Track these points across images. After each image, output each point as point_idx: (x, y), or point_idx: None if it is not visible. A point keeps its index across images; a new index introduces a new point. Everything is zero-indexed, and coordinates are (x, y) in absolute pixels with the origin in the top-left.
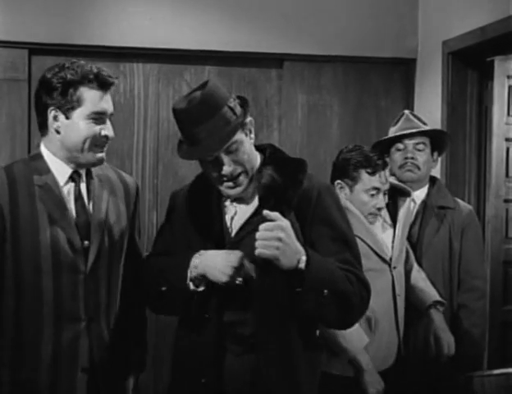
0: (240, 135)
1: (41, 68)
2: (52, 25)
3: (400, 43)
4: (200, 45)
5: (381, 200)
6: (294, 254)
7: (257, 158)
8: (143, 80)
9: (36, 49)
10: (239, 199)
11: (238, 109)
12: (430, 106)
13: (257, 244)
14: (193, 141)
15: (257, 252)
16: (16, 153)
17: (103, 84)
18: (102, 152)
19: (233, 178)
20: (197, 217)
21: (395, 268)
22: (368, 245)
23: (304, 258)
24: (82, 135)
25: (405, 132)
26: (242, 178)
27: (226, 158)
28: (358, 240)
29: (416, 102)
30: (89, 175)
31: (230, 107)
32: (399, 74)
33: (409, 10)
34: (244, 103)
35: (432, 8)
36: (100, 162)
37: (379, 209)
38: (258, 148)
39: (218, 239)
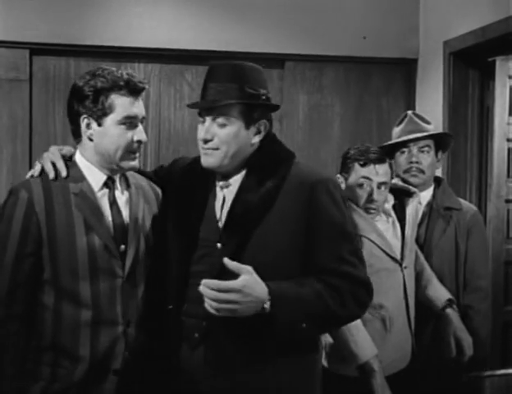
0: (237, 119)
1: (42, 68)
2: (53, 25)
3: (401, 44)
4: (201, 45)
5: (374, 191)
6: (255, 306)
7: (250, 153)
8: None
9: (37, 49)
10: (226, 185)
11: (259, 102)
12: (431, 106)
13: (207, 303)
14: (202, 95)
15: (207, 307)
16: (18, 153)
17: (134, 90)
18: (135, 158)
19: (208, 148)
20: (184, 201)
21: (405, 267)
22: (378, 246)
23: (268, 303)
24: (115, 141)
25: (410, 137)
26: (217, 153)
27: (208, 124)
28: (367, 242)
29: (417, 102)
30: (125, 182)
31: (254, 92)
32: (400, 74)
33: (411, 10)
34: (269, 107)
35: (433, 8)
36: (134, 168)
37: (372, 201)
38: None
39: (193, 228)
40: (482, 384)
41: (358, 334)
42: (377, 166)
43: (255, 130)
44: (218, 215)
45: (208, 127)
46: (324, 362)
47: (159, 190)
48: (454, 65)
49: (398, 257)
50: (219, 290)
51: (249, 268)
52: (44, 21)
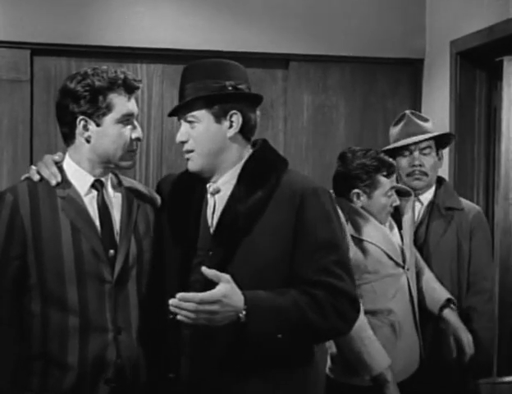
0: (204, 114)
1: (43, 69)
2: (54, 25)
3: (407, 44)
4: (204, 45)
5: (396, 198)
6: (232, 315)
7: (234, 152)
8: (146, 81)
9: (38, 50)
10: (216, 190)
11: (222, 92)
12: (438, 107)
13: (183, 315)
14: (179, 99)
15: (180, 318)
16: (18, 154)
17: (130, 88)
18: (133, 157)
19: (186, 151)
20: (176, 211)
21: (408, 269)
22: (385, 252)
23: (242, 313)
24: (115, 140)
25: (411, 141)
26: (194, 155)
27: (183, 126)
28: (374, 247)
29: (423, 103)
30: (117, 184)
31: (217, 84)
32: (406, 74)
33: (417, 9)
34: (239, 96)
35: (439, 8)
36: (131, 166)
37: (394, 207)
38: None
39: (191, 237)
40: (490, 391)
41: (372, 344)
42: (395, 174)
43: (227, 123)
44: (210, 222)
45: (182, 129)
46: (330, 373)
47: (157, 196)
48: (460, 65)
49: (401, 261)
50: (201, 303)
51: (228, 277)
52: (45, 21)
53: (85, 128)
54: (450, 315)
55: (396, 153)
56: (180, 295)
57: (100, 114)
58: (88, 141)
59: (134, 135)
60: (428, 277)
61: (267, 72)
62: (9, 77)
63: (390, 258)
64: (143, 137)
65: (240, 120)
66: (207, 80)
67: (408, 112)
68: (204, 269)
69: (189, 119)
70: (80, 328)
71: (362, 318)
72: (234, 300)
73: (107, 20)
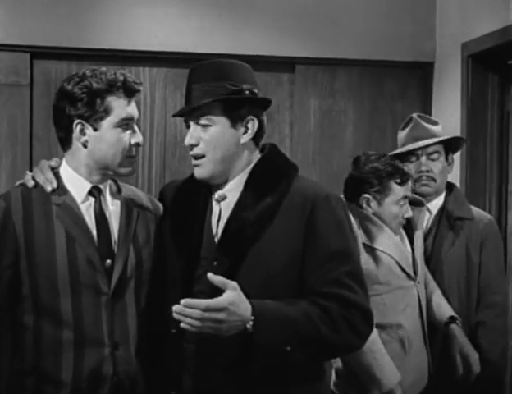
0: (220, 118)
1: (43, 73)
2: (54, 27)
3: (416, 46)
4: (209, 48)
5: (409, 209)
6: (239, 325)
7: (243, 159)
8: (149, 85)
9: (38, 53)
10: (222, 197)
11: (241, 96)
12: (448, 111)
13: (187, 323)
14: (186, 100)
15: (183, 326)
16: (18, 161)
17: (130, 91)
18: (133, 162)
19: (196, 156)
20: (179, 218)
21: (418, 282)
22: (397, 262)
23: (249, 324)
24: (113, 145)
25: (417, 146)
26: (205, 161)
27: (192, 128)
28: (387, 257)
29: (434, 107)
30: (117, 191)
31: (236, 87)
32: (416, 78)
33: (427, 11)
34: (256, 102)
35: (450, 9)
36: (131, 173)
37: (406, 218)
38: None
39: (194, 246)
40: None
41: (383, 358)
42: (410, 182)
43: (243, 129)
44: (214, 230)
45: (192, 132)
46: (334, 388)
47: (159, 204)
48: (472, 68)
49: (412, 273)
50: (206, 310)
51: (235, 284)
52: (45, 23)
53: (82, 132)
54: (457, 331)
55: (403, 158)
56: (184, 300)
57: (98, 118)
58: (85, 146)
59: (133, 141)
60: (434, 291)
61: (273, 76)
62: (8, 81)
63: (403, 269)
64: (145, 143)
65: (256, 126)
66: (223, 82)
67: (415, 115)
68: (210, 275)
69: (203, 122)
70: (75, 342)
71: (373, 331)
72: (241, 309)
73: (108, 23)
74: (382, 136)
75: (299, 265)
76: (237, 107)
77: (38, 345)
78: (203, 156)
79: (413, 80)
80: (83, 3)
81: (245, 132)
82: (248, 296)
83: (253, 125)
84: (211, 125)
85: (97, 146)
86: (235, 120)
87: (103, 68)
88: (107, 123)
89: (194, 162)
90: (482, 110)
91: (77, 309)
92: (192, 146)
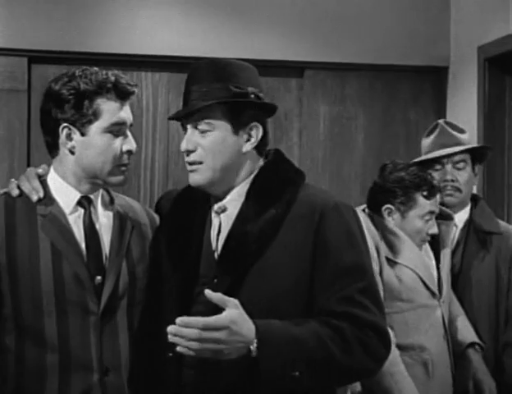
0: (221, 123)
1: (41, 77)
2: (53, 31)
3: (430, 50)
4: (213, 52)
5: (435, 225)
6: (241, 347)
7: (245, 168)
8: (151, 91)
9: (36, 57)
10: (222, 209)
11: (246, 100)
12: (464, 118)
13: (184, 345)
14: (184, 101)
15: (180, 350)
16: (15, 168)
17: (122, 94)
18: (125, 171)
19: (192, 162)
20: (176, 232)
21: (443, 302)
22: (421, 279)
23: (253, 346)
24: (102, 152)
25: (443, 153)
26: (203, 168)
27: (190, 133)
28: (410, 273)
29: (448, 113)
30: (109, 202)
31: (240, 90)
32: (430, 83)
33: (441, 13)
34: (261, 107)
35: (465, 11)
36: (122, 183)
37: (431, 235)
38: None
39: (192, 262)
40: None
41: (404, 381)
42: (438, 195)
43: (246, 136)
44: (214, 245)
45: (190, 136)
46: None
47: (156, 215)
48: (489, 72)
49: (437, 291)
50: (204, 329)
51: (236, 301)
52: (44, 27)
53: (69, 137)
54: (473, 356)
55: (428, 166)
56: (180, 319)
57: (85, 122)
58: (72, 152)
59: (125, 148)
60: (458, 313)
61: (281, 81)
62: (5, 86)
63: (427, 286)
64: (147, 151)
65: (261, 133)
66: (226, 83)
67: (441, 121)
68: (208, 292)
69: (203, 126)
70: (60, 367)
71: (392, 351)
72: (244, 329)
73: (109, 26)
74: (395, 144)
75: (307, 282)
76: (241, 112)
77: (20, 369)
78: (200, 162)
79: (427, 85)
80: (83, 6)
81: (248, 140)
82: (251, 317)
83: (257, 133)
84: (211, 131)
85: (84, 153)
86: (238, 126)
87: (95, 68)
88: (95, 128)
89: (190, 167)
90: (499, 116)
91: (63, 330)
92: (188, 152)
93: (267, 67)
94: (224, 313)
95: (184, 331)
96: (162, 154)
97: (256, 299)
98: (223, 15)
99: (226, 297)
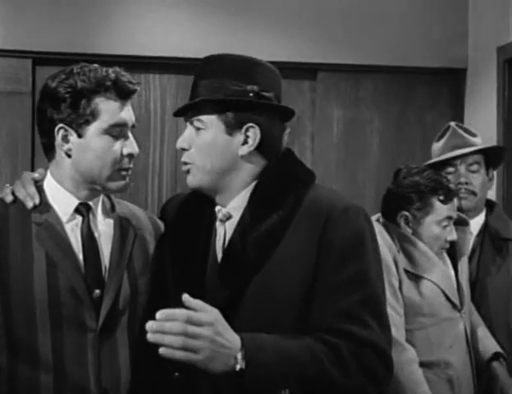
0: (214, 121)
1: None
2: (58, 32)
3: (448, 51)
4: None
5: (454, 232)
6: (226, 355)
7: (246, 173)
8: (159, 93)
9: (41, 59)
10: (226, 216)
11: (242, 98)
12: (483, 121)
13: (166, 340)
14: (190, 94)
15: (163, 351)
16: (18, 174)
17: (123, 92)
18: (126, 176)
19: (184, 161)
20: (180, 241)
21: (464, 313)
22: (443, 291)
23: (239, 356)
24: (100, 155)
25: (457, 153)
26: (194, 168)
27: (188, 131)
28: (432, 285)
29: (466, 117)
30: (110, 209)
31: (238, 87)
32: (447, 85)
33: (458, 12)
34: (260, 106)
35: (484, 11)
36: (123, 188)
37: (450, 242)
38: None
39: (198, 274)
40: None
41: None
42: (455, 200)
43: (242, 138)
44: (219, 256)
45: (186, 134)
46: None
47: (161, 223)
48: (509, 74)
49: (458, 303)
50: (189, 321)
51: (216, 310)
52: (48, 28)
53: (65, 139)
54: (499, 370)
55: (440, 169)
56: (161, 311)
57: (82, 122)
58: (68, 155)
59: (125, 151)
60: (479, 323)
61: (293, 83)
62: (8, 89)
63: (448, 299)
64: (155, 155)
65: (258, 136)
66: (225, 80)
67: (453, 123)
68: (186, 298)
69: (196, 124)
70: (55, 388)
71: (415, 370)
72: (227, 333)
73: (115, 27)
74: (411, 149)
75: (311, 296)
76: (235, 110)
77: (12, 389)
78: (191, 163)
79: (444, 87)
80: (88, 6)
81: (245, 142)
82: (253, 331)
83: (254, 135)
84: (203, 129)
85: (81, 156)
86: (231, 125)
87: (95, 65)
88: (93, 129)
89: (183, 167)
90: None
91: (58, 347)
92: (183, 150)
93: (278, 69)
94: (208, 311)
95: (166, 325)
96: (170, 158)
97: (258, 312)
98: (234, 16)
99: (206, 305)
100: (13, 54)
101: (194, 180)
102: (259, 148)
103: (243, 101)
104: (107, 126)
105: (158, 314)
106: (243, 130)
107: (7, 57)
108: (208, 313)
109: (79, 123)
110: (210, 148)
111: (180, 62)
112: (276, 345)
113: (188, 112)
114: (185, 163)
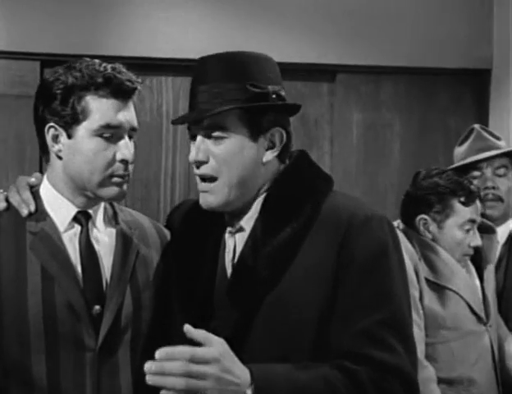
0: (238, 129)
1: None
2: (66, 33)
3: (471, 51)
4: None
5: (478, 236)
6: (234, 390)
7: (264, 180)
8: (172, 96)
9: (49, 61)
10: (237, 229)
11: (267, 102)
12: (508, 124)
13: (168, 382)
14: (190, 103)
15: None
16: None
17: (119, 91)
18: (121, 183)
19: (204, 177)
20: (186, 254)
21: (490, 326)
22: (467, 303)
23: (249, 392)
24: (89, 159)
25: (484, 156)
26: (217, 185)
27: (200, 141)
28: (455, 297)
29: (491, 120)
30: (113, 218)
31: (260, 90)
32: (471, 87)
33: (483, 11)
34: (283, 108)
35: (509, 8)
36: (117, 197)
37: (474, 249)
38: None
39: (206, 291)
40: None
41: None
42: (478, 202)
43: (267, 143)
44: (229, 272)
45: (200, 144)
46: None
47: (168, 233)
48: None
49: (484, 315)
50: (192, 360)
51: (222, 340)
52: (57, 30)
53: (55, 139)
54: None
55: (464, 174)
56: (161, 350)
57: (72, 122)
58: (59, 157)
59: (119, 156)
60: (506, 337)
61: (311, 86)
62: (16, 92)
63: (473, 311)
64: (167, 161)
65: (284, 139)
66: (242, 83)
67: (477, 126)
68: (188, 328)
69: (215, 133)
70: None
71: (433, 389)
72: (235, 368)
73: (126, 28)
74: (433, 152)
75: (329, 316)
76: (261, 116)
77: None
78: (213, 178)
79: (468, 89)
80: (98, 8)
81: (270, 147)
82: (265, 358)
83: (280, 139)
84: (225, 138)
85: (71, 159)
86: (257, 131)
87: (97, 60)
88: (83, 129)
89: (202, 186)
90: None
91: (53, 368)
92: (199, 163)
93: (296, 71)
94: (213, 346)
95: (167, 366)
96: (183, 163)
97: (271, 336)
98: (249, 16)
99: (211, 335)
100: (21, 57)
101: (215, 200)
102: (279, 152)
103: (269, 105)
104: (98, 127)
105: (157, 354)
106: (268, 134)
107: (15, 60)
108: (214, 347)
109: (68, 122)
110: (237, 158)
111: (193, 64)
112: (289, 378)
113: (199, 121)
114: (204, 179)
